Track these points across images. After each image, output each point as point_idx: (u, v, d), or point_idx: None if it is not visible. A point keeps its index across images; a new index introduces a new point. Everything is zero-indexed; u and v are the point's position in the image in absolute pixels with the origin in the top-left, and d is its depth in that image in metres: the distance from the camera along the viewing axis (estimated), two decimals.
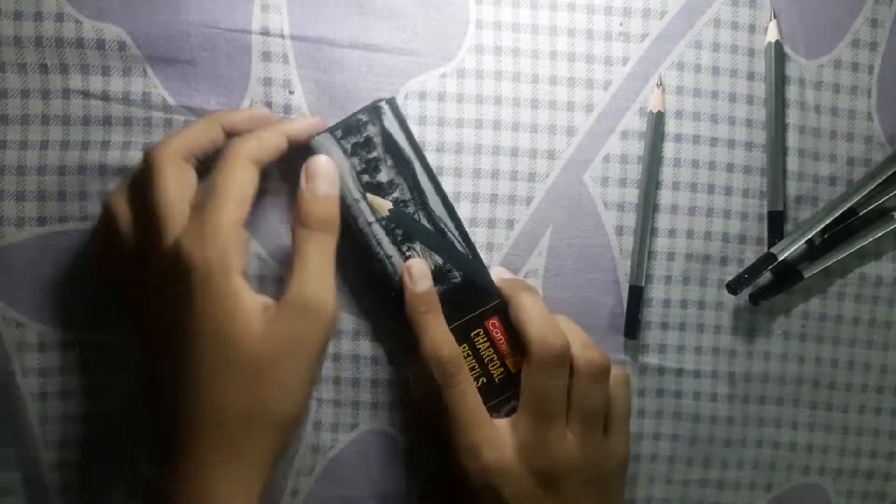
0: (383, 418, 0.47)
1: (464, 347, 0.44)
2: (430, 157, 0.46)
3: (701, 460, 0.49)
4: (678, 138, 0.48)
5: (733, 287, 0.48)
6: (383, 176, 0.44)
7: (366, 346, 0.47)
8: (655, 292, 0.48)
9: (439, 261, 0.44)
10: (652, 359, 0.48)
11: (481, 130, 0.47)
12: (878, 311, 0.50)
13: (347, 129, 0.43)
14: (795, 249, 0.48)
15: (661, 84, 0.48)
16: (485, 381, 0.45)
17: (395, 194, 0.44)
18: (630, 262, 0.48)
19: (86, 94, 0.44)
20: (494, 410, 0.44)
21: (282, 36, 0.45)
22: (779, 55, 0.48)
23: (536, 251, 0.47)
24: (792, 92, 0.49)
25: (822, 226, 0.48)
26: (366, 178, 0.43)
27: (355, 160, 0.43)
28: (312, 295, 0.38)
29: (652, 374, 0.49)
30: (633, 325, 0.48)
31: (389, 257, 0.44)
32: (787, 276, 0.49)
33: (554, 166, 0.47)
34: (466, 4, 0.46)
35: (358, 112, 0.44)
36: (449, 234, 0.45)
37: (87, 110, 0.44)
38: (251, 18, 0.45)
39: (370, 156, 0.43)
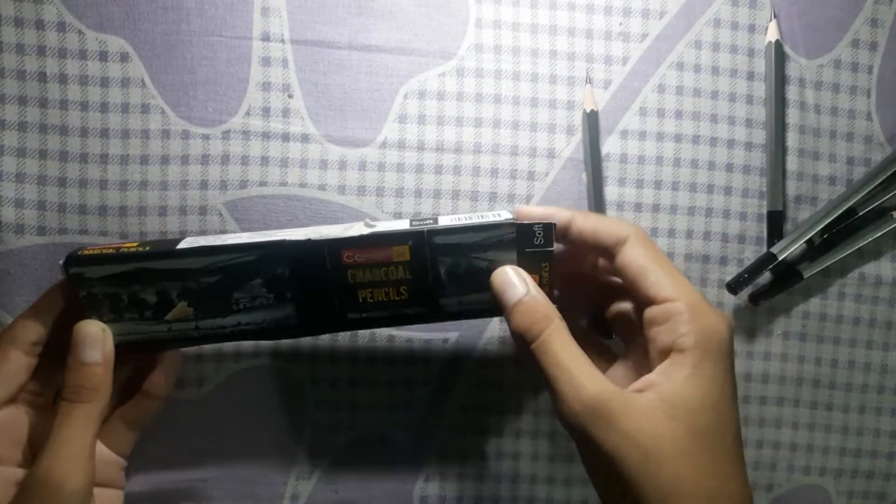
0: (382, 419, 0.47)
1: None
2: (430, 157, 0.46)
3: None
4: (678, 138, 0.48)
5: (733, 287, 0.48)
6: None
7: (363, 348, 0.46)
8: None
9: None
10: None
11: (481, 129, 0.47)
12: (878, 311, 0.50)
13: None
14: (795, 249, 0.47)
15: (590, 81, 0.47)
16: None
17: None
18: None
19: (84, 106, 0.44)
20: None
21: (282, 40, 0.45)
22: (779, 55, 0.48)
23: None
24: (792, 92, 0.49)
25: (821, 226, 0.48)
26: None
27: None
28: (53, 474, 0.35)
29: None
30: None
31: None
32: (786, 276, 0.49)
33: (553, 165, 0.47)
34: (466, 4, 0.46)
35: None
36: None
37: (84, 122, 0.44)
38: (252, 24, 0.45)
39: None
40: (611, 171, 0.48)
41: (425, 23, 0.46)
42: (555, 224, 0.39)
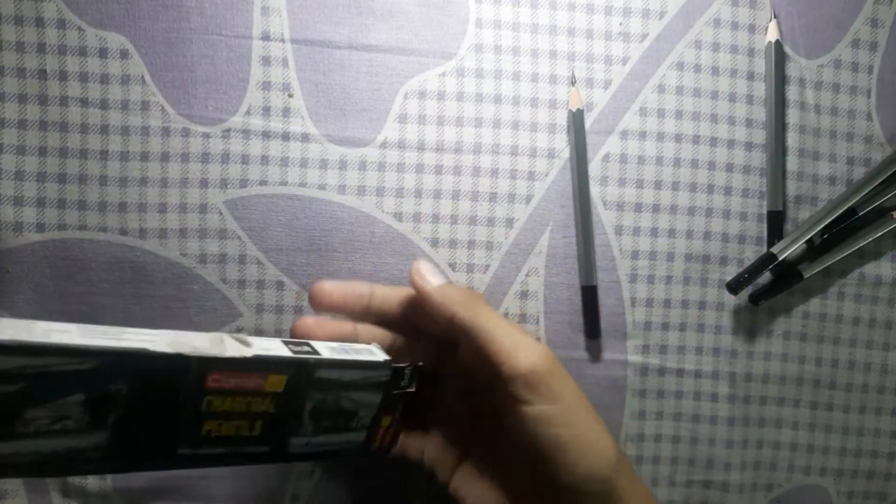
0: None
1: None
2: (430, 157, 0.46)
3: (703, 461, 0.49)
4: (678, 138, 0.48)
5: (733, 287, 0.48)
6: None
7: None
8: (656, 292, 0.48)
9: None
10: (653, 359, 0.48)
11: (481, 129, 0.47)
12: (878, 311, 0.50)
13: None
14: (795, 249, 0.47)
15: (574, 81, 0.47)
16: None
17: None
18: (579, 265, 0.48)
19: (84, 102, 0.44)
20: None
21: (282, 40, 0.45)
22: (779, 55, 0.48)
23: (536, 249, 0.47)
24: (792, 92, 0.49)
25: (821, 226, 0.48)
26: None
27: None
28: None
29: (653, 375, 0.48)
30: (594, 325, 0.48)
31: None
32: (787, 276, 0.49)
33: (553, 165, 0.47)
34: (466, 3, 0.46)
35: None
36: None
37: (85, 118, 0.44)
38: (252, 23, 0.45)
39: None
40: (611, 171, 0.48)
41: (425, 23, 0.46)
42: (420, 367, 0.40)
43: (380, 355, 0.37)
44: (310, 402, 0.34)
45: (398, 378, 0.38)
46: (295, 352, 0.34)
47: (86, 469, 0.29)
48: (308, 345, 0.35)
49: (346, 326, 0.42)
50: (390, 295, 0.43)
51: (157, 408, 0.30)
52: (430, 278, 0.40)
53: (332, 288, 0.42)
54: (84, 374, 0.27)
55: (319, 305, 0.41)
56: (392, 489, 0.47)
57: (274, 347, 0.33)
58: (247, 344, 0.32)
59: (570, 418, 0.37)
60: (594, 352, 0.48)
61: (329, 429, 0.36)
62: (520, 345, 0.37)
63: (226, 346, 0.31)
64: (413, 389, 0.39)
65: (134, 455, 0.30)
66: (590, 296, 0.47)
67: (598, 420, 0.39)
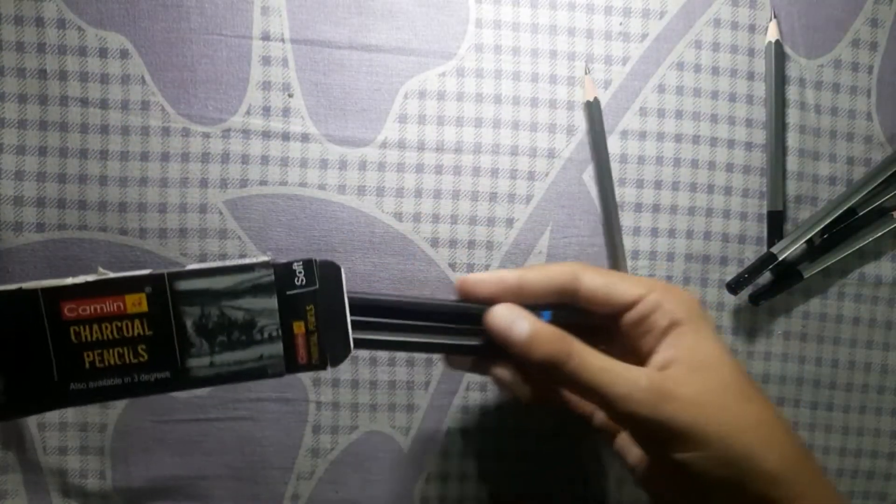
0: (382, 419, 0.47)
1: None
2: (431, 157, 0.46)
3: None
4: (678, 138, 0.48)
5: (733, 287, 0.48)
6: None
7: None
8: None
9: None
10: None
11: (481, 129, 0.47)
12: (878, 311, 0.50)
13: None
14: (795, 249, 0.47)
15: (588, 71, 0.47)
16: None
17: None
18: (608, 255, 0.48)
19: (84, 102, 0.44)
20: None
21: (282, 40, 0.45)
22: (779, 55, 0.48)
23: (536, 250, 0.47)
24: (792, 92, 0.49)
25: (822, 226, 0.48)
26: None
27: None
28: None
29: None
30: None
31: None
32: (787, 276, 0.49)
33: (553, 165, 0.47)
34: (466, 3, 0.46)
35: None
36: None
37: (85, 118, 0.44)
38: (252, 23, 0.45)
39: None
40: (611, 171, 0.48)
41: (425, 23, 0.46)
42: (315, 260, 0.36)
43: (256, 258, 0.35)
44: (188, 318, 0.34)
45: (289, 277, 0.35)
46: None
47: None
48: (181, 266, 0.36)
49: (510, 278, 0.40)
50: (542, 279, 0.39)
51: (32, 347, 0.32)
52: (515, 327, 0.37)
53: (477, 281, 0.39)
54: None
55: (475, 297, 0.39)
56: (394, 490, 0.47)
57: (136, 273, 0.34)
58: (104, 274, 0.32)
59: (710, 459, 0.35)
60: None
61: (228, 345, 0.35)
62: (623, 387, 0.35)
63: (79, 279, 0.32)
64: (316, 286, 0.36)
65: (31, 396, 0.33)
66: None
67: (755, 421, 0.36)
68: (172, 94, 0.44)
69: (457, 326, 0.38)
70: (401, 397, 0.47)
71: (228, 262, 0.35)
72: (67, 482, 0.45)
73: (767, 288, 0.48)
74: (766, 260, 0.47)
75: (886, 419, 0.51)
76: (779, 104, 0.48)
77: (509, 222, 0.47)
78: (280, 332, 0.35)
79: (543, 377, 0.38)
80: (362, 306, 0.37)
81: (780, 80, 0.48)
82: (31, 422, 0.44)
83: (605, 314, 0.39)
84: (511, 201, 0.47)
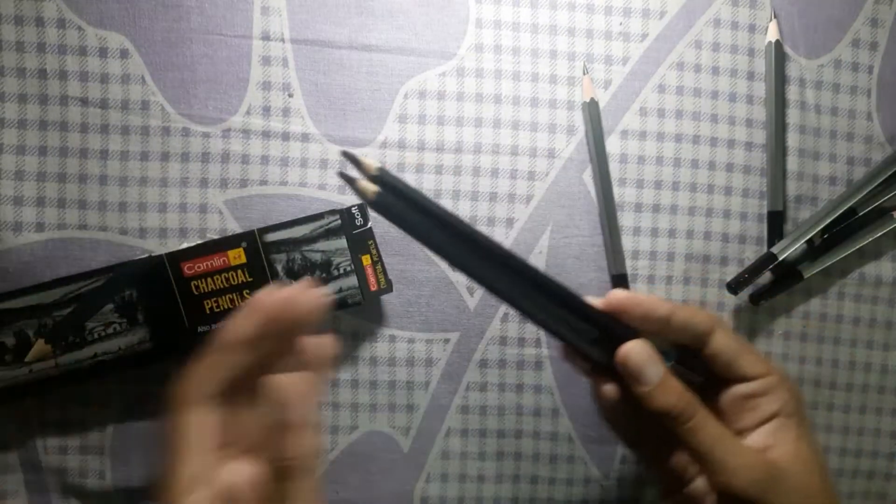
0: (382, 419, 0.47)
1: None
2: (431, 156, 0.46)
3: None
4: (678, 138, 0.48)
5: (734, 287, 0.48)
6: None
7: (365, 348, 0.46)
8: (657, 292, 0.48)
9: None
10: None
11: (481, 129, 0.47)
12: (879, 311, 0.50)
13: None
14: (795, 249, 0.47)
15: (587, 72, 0.47)
16: None
17: None
18: (606, 253, 0.48)
19: (84, 102, 0.44)
20: None
21: (282, 40, 0.45)
22: (779, 55, 0.48)
23: (536, 250, 0.47)
24: (792, 92, 0.49)
25: (822, 226, 0.48)
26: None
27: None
28: None
29: None
30: None
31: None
32: (787, 277, 0.48)
33: (554, 165, 0.47)
34: (466, 3, 0.46)
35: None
36: None
37: (85, 118, 0.44)
38: (252, 23, 0.45)
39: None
40: (611, 171, 0.48)
41: (425, 23, 0.46)
42: (365, 204, 0.38)
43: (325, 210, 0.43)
44: (278, 263, 0.42)
45: (351, 220, 0.43)
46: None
47: (146, 359, 0.42)
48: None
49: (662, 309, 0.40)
50: (687, 320, 0.40)
51: (165, 301, 0.42)
52: (648, 370, 0.38)
53: (635, 303, 0.39)
54: (103, 288, 0.41)
55: (621, 316, 0.40)
56: (394, 490, 0.47)
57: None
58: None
59: None
60: None
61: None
62: (738, 462, 0.37)
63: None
64: (370, 225, 0.43)
65: (169, 341, 0.42)
66: (620, 283, 0.47)
67: None
68: (172, 93, 0.44)
69: (576, 323, 0.38)
70: (401, 397, 0.47)
71: (302, 215, 0.43)
72: (67, 482, 0.45)
73: (767, 288, 0.48)
74: (767, 260, 0.47)
75: (886, 419, 0.51)
76: (779, 104, 0.48)
77: (509, 222, 0.47)
78: (353, 266, 0.43)
79: (658, 424, 0.38)
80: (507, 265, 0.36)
81: (780, 80, 0.48)
82: (33, 420, 0.44)
83: (719, 375, 0.40)
84: (511, 201, 0.47)
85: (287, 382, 0.34)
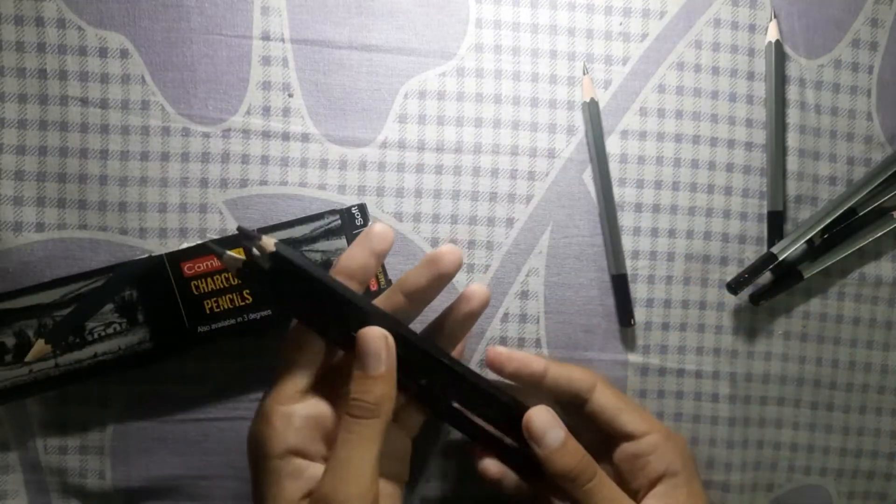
0: None
1: None
2: (431, 157, 0.46)
3: (704, 462, 0.49)
4: (678, 138, 0.48)
5: (734, 287, 0.48)
6: None
7: None
8: (656, 292, 0.48)
9: None
10: (653, 360, 0.48)
11: (481, 129, 0.47)
12: (879, 311, 0.50)
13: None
14: (795, 249, 0.47)
15: (587, 72, 0.47)
16: None
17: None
18: (606, 253, 0.48)
19: (84, 102, 0.44)
20: None
21: (282, 40, 0.45)
22: (779, 55, 0.48)
23: (536, 250, 0.47)
24: (792, 92, 0.49)
25: (822, 226, 0.48)
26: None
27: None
28: (335, 495, 0.34)
29: (653, 375, 0.48)
30: (626, 313, 0.48)
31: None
32: (787, 277, 0.48)
33: (554, 165, 0.47)
34: (466, 3, 0.46)
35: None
36: None
37: (84, 118, 0.44)
38: (252, 23, 0.45)
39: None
40: (611, 171, 0.48)
41: (425, 22, 0.46)
42: (365, 204, 0.43)
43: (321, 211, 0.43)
44: None
45: (351, 220, 0.43)
46: None
47: (146, 359, 0.42)
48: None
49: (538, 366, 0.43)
50: (563, 377, 0.42)
51: (165, 301, 0.41)
52: (551, 434, 0.39)
53: (506, 358, 0.42)
54: (102, 289, 0.41)
55: (496, 372, 0.43)
56: None
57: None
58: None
59: None
60: (608, 348, 0.48)
61: None
62: None
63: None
64: (370, 224, 0.43)
65: (169, 341, 0.42)
66: (620, 284, 0.47)
67: None
68: (172, 93, 0.44)
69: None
70: (401, 397, 0.47)
71: (303, 215, 0.43)
72: (67, 482, 0.45)
73: (767, 288, 0.48)
74: (767, 260, 0.47)
75: (886, 419, 0.51)
76: (779, 104, 0.48)
77: (509, 222, 0.47)
78: None
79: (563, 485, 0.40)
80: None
81: (780, 80, 0.48)
82: (33, 420, 0.44)
83: (603, 433, 0.42)
84: (511, 201, 0.47)
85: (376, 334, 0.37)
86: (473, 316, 0.42)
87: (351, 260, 0.38)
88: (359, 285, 0.38)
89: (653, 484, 0.41)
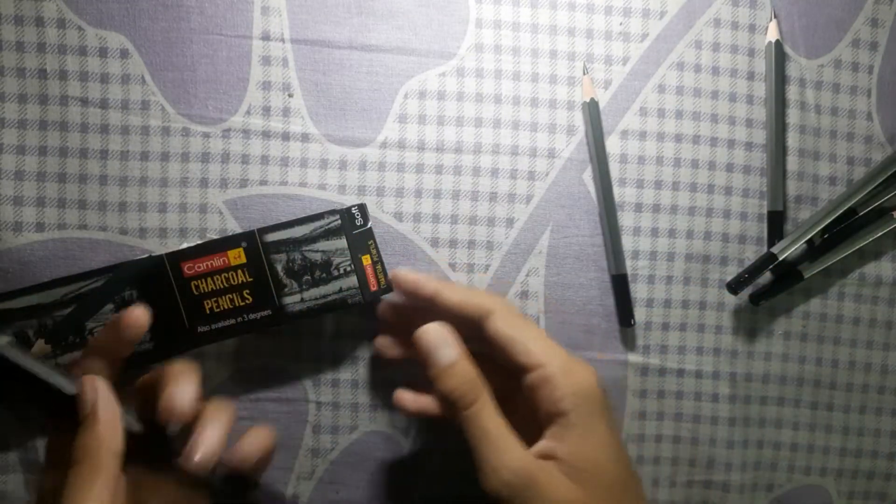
0: (383, 420, 0.47)
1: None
2: (431, 157, 0.46)
3: (704, 462, 0.49)
4: (678, 138, 0.48)
5: (734, 287, 0.48)
6: None
7: (365, 348, 0.46)
8: (657, 293, 0.48)
9: None
10: (653, 360, 0.48)
11: (481, 129, 0.47)
12: (879, 311, 0.50)
13: None
14: (795, 249, 0.47)
15: (587, 72, 0.47)
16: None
17: None
18: (606, 253, 0.48)
19: (84, 102, 0.44)
20: None
21: (282, 40, 0.45)
22: (779, 55, 0.48)
23: (536, 250, 0.47)
24: (792, 92, 0.49)
25: (822, 226, 0.48)
26: None
27: None
28: None
29: (653, 375, 0.48)
30: (626, 313, 0.48)
31: None
32: (787, 277, 0.49)
33: (554, 165, 0.47)
34: (466, 3, 0.46)
35: None
36: None
37: (85, 118, 0.44)
38: (252, 23, 0.45)
39: None
40: (611, 171, 0.48)
41: (425, 23, 0.46)
42: (365, 204, 0.43)
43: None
44: (278, 263, 0.42)
45: (351, 220, 0.42)
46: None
47: (145, 359, 0.42)
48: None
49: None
50: (455, 300, 0.41)
51: (165, 301, 0.41)
52: (441, 352, 0.39)
53: (402, 279, 0.43)
54: (102, 289, 0.41)
55: (396, 287, 0.43)
56: (394, 491, 0.47)
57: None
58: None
59: None
60: (608, 348, 0.48)
61: (313, 282, 0.42)
62: (502, 454, 0.36)
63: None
64: (370, 224, 0.43)
65: (169, 341, 0.42)
66: (620, 284, 0.47)
67: None
68: (172, 93, 0.44)
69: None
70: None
71: (303, 215, 0.42)
72: None
73: (767, 288, 0.48)
74: (767, 260, 0.47)
75: (886, 419, 0.51)
76: (779, 104, 0.48)
77: (509, 222, 0.47)
78: (352, 266, 0.42)
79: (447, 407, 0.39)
80: None
81: (780, 80, 0.48)
82: (32, 421, 0.44)
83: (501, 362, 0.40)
84: (511, 201, 0.47)
85: None
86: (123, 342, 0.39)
87: (96, 340, 0.39)
88: (108, 365, 0.38)
89: (546, 423, 0.38)
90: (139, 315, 0.38)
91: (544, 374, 0.38)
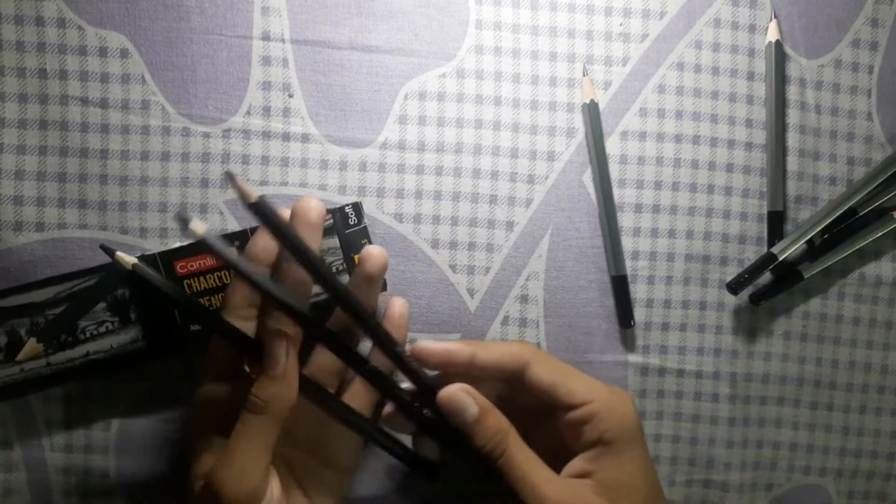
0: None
1: None
2: (431, 158, 0.46)
3: (703, 461, 0.49)
4: (678, 139, 0.48)
5: (734, 287, 0.48)
6: None
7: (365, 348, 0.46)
8: (656, 293, 0.48)
9: None
10: (653, 360, 0.48)
11: (481, 131, 0.47)
12: (879, 311, 0.50)
13: None
14: (795, 249, 0.47)
15: (586, 73, 0.47)
16: None
17: None
18: (606, 254, 0.48)
19: (84, 101, 0.44)
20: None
21: (282, 40, 0.45)
22: (779, 55, 0.48)
23: (536, 253, 0.47)
24: (792, 92, 0.49)
25: (822, 226, 0.48)
26: None
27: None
28: (224, 485, 0.35)
29: (653, 375, 0.48)
30: (626, 314, 0.48)
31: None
32: (787, 277, 0.49)
33: (553, 168, 0.47)
34: (466, 5, 0.46)
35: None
36: None
37: (85, 117, 0.44)
38: (252, 23, 0.45)
39: None
40: (611, 171, 0.48)
41: (425, 24, 0.46)
42: (359, 203, 0.44)
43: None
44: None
45: (344, 219, 0.43)
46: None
47: (138, 358, 0.42)
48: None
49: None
50: (491, 362, 0.41)
51: (157, 299, 0.41)
52: (466, 416, 0.39)
53: (428, 353, 0.41)
54: (94, 287, 0.41)
55: (424, 365, 0.42)
56: (394, 490, 0.47)
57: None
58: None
59: None
60: (608, 349, 0.48)
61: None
62: (541, 488, 0.38)
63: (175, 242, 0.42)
64: (365, 224, 0.44)
65: (162, 340, 0.42)
66: (620, 285, 0.48)
67: None
68: (172, 93, 0.45)
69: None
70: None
71: None
72: (71, 480, 0.45)
73: (767, 288, 0.48)
74: (767, 260, 0.47)
75: (886, 419, 0.51)
76: (779, 104, 0.48)
77: (509, 226, 0.47)
78: (345, 265, 0.43)
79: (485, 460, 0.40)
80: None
81: (780, 80, 0.48)
82: (38, 419, 0.44)
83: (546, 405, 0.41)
84: (511, 204, 0.47)
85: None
86: (371, 279, 0.42)
87: (252, 245, 0.40)
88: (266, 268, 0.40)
89: (582, 449, 0.41)
90: (378, 253, 0.41)
91: (590, 410, 0.40)
